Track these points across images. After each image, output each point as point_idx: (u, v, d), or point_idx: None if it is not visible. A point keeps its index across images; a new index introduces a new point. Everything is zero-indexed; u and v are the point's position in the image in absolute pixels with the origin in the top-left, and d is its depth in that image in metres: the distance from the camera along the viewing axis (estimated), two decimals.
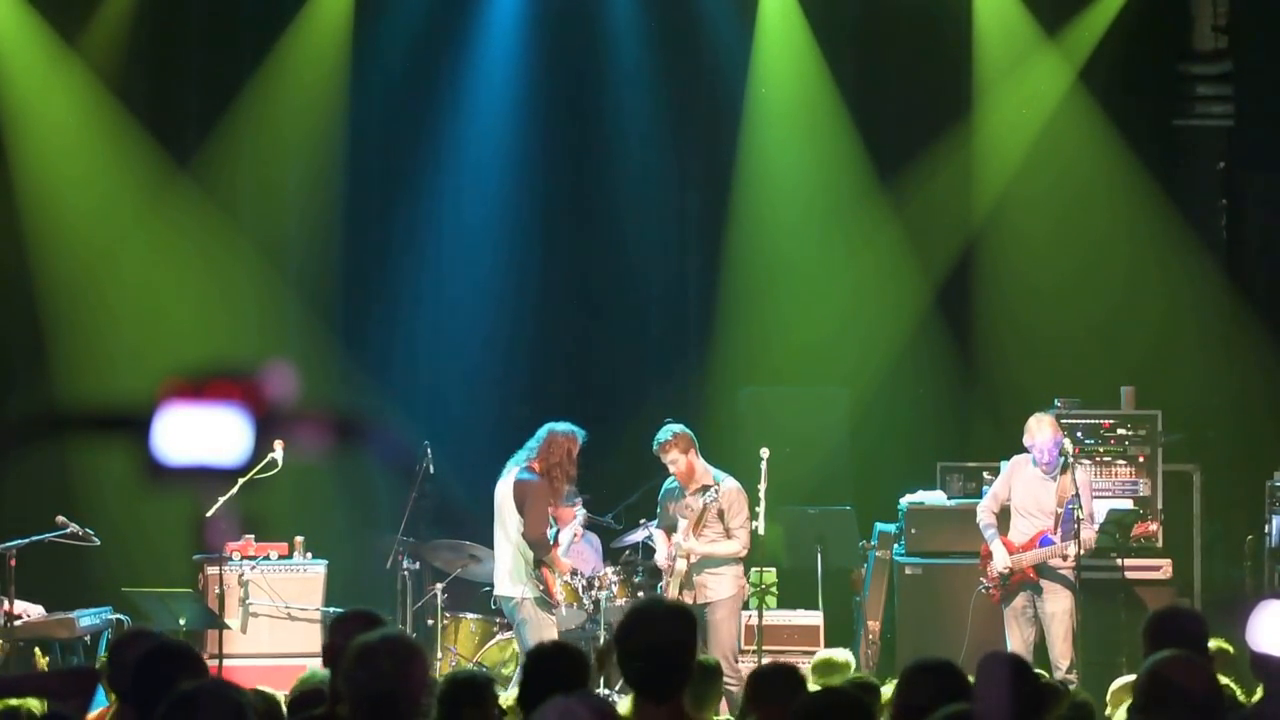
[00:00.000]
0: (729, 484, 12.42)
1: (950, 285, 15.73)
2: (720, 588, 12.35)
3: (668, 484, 12.66)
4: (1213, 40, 15.77)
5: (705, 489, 12.36)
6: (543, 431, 12.19)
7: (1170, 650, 5.73)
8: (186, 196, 15.17)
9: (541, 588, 12.01)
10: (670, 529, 12.58)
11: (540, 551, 12.00)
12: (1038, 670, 8.38)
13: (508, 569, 12.17)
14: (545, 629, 11.94)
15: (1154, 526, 13.62)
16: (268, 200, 15.45)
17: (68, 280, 15.09)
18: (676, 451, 12.37)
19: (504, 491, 12.14)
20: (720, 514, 12.36)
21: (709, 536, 12.38)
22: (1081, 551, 12.49)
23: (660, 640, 5.62)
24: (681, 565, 12.37)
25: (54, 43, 15.12)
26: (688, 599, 12.19)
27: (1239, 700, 7.31)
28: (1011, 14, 15.55)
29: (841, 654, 9.90)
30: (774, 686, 6.85)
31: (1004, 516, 12.88)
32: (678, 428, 12.45)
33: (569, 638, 11.55)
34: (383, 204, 15.82)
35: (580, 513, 12.78)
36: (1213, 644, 7.54)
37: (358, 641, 5.74)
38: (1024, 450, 12.74)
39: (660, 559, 12.58)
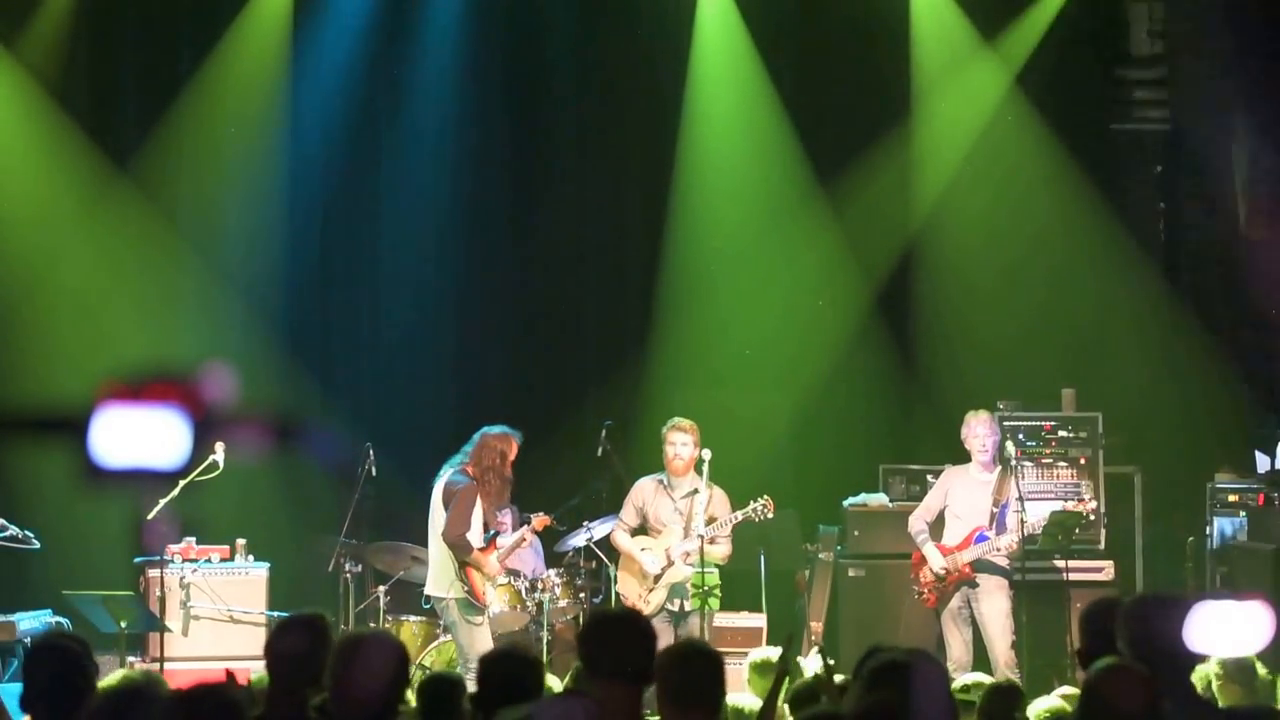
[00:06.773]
0: (718, 489, 12.48)
1: (890, 288, 15.78)
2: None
3: (643, 484, 12.66)
4: (1149, 45, 15.86)
5: (696, 492, 12.40)
6: (477, 435, 12.23)
7: (1109, 660, 5.56)
8: (126, 198, 15.09)
9: (466, 588, 11.99)
10: (641, 530, 12.59)
11: (459, 553, 12.00)
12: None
13: (436, 570, 12.20)
14: (473, 630, 11.94)
15: (1091, 504, 13.60)
16: (208, 201, 15.37)
17: (5, 282, 15.01)
18: (695, 437, 12.41)
19: (436, 493, 12.18)
20: (710, 519, 12.40)
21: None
22: (1014, 546, 12.55)
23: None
24: (687, 571, 12.34)
25: None
26: (674, 606, 12.24)
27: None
28: (949, 18, 15.60)
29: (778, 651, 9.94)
30: None
31: (937, 526, 12.93)
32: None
33: (512, 639, 11.55)
34: (324, 205, 15.77)
35: (528, 534, 12.70)
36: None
37: (344, 638, 5.97)
38: (963, 452, 12.82)
39: (653, 565, 12.47)
